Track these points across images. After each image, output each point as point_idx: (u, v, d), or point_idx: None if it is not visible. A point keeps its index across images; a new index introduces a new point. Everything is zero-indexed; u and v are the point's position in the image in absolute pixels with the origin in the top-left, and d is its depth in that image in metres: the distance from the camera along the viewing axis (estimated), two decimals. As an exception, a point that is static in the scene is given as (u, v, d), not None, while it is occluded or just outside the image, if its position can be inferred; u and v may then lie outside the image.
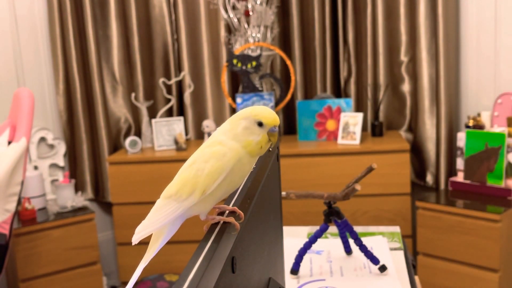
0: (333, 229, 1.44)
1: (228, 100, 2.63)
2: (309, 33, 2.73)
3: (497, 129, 2.23)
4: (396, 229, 1.56)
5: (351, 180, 1.25)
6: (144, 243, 0.73)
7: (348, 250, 1.38)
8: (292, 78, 2.59)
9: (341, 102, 2.54)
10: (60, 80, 2.66)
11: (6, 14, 2.56)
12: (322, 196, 1.26)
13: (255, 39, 2.55)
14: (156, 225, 0.69)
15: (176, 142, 2.57)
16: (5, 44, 2.57)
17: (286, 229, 1.45)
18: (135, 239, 0.70)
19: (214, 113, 2.78)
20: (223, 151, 0.69)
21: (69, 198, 2.48)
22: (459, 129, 2.57)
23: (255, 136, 0.70)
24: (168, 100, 2.78)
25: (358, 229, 1.52)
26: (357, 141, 2.43)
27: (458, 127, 2.58)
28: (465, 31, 2.52)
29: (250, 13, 2.53)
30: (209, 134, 2.61)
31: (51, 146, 2.72)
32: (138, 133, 2.81)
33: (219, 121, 2.75)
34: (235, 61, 2.49)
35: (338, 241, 1.43)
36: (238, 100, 2.52)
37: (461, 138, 2.35)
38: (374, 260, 1.27)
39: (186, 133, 2.78)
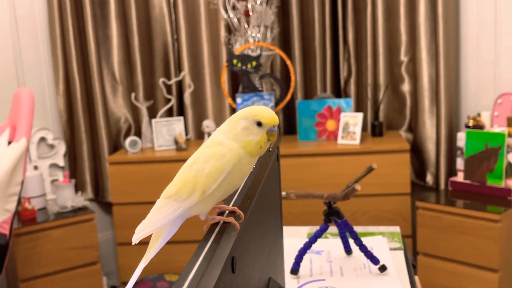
0: (333, 229, 1.44)
1: (228, 100, 2.63)
2: (309, 33, 2.73)
3: (497, 129, 2.23)
4: (396, 229, 1.56)
5: (351, 180, 1.26)
6: (144, 243, 0.73)
7: (348, 250, 1.38)
8: (292, 78, 2.59)
9: (341, 102, 2.54)
10: (60, 80, 2.66)
11: (6, 14, 2.56)
12: (322, 196, 1.26)
13: (255, 39, 2.55)
14: (156, 225, 0.69)
15: (176, 142, 2.57)
16: (5, 44, 2.57)
17: (286, 229, 1.45)
18: (135, 239, 0.70)
19: (214, 113, 2.78)
20: (223, 152, 0.69)
21: (69, 198, 2.48)
22: (459, 129, 2.57)
23: (254, 136, 0.70)
24: (168, 100, 2.78)
25: (358, 229, 1.52)
26: (357, 141, 2.43)
27: (458, 127, 2.58)
28: (465, 31, 2.52)
29: (250, 13, 2.53)
30: (209, 134, 2.61)
31: (51, 146, 2.72)
32: (138, 133, 2.81)
33: (219, 121, 2.75)
34: (235, 61, 2.49)
35: (338, 241, 1.43)
36: (238, 100, 2.52)
37: (461, 138, 2.35)
38: (374, 260, 1.27)
39: (186, 133, 2.78)
